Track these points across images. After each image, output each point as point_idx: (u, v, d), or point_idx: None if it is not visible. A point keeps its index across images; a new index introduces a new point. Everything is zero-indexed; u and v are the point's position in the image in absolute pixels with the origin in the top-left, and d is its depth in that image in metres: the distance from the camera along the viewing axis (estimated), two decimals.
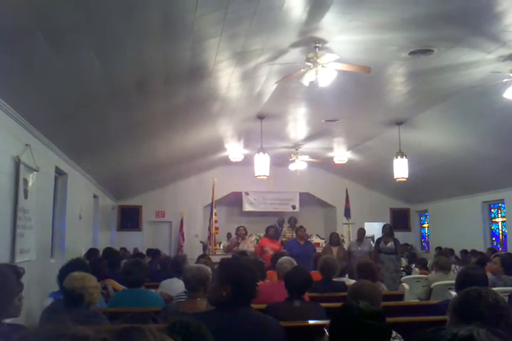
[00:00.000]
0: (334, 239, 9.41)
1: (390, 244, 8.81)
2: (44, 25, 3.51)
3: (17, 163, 4.88)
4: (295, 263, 4.80)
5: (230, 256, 7.53)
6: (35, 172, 5.46)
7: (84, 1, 3.38)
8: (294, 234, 10.41)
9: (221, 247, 12.30)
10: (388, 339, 1.91)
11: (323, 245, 11.45)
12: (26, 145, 5.16)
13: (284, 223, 12.04)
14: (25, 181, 5.15)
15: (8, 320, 2.36)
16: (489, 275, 4.82)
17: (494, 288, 3.95)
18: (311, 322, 3.30)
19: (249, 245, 9.06)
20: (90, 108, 5.65)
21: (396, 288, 7.83)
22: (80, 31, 3.75)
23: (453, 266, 6.79)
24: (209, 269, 3.49)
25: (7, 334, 2.01)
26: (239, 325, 2.42)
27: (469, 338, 1.13)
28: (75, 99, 5.17)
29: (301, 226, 9.36)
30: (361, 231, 9.56)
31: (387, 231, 9.01)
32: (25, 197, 5.14)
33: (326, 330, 2.60)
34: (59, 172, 7.07)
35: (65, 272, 3.53)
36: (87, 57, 4.22)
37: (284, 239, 10.80)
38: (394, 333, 2.46)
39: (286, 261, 4.79)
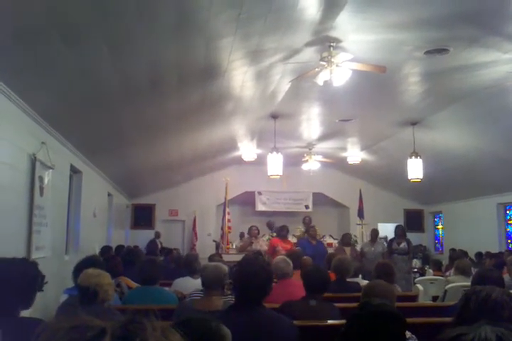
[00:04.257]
0: (346, 240, 9.40)
1: (403, 245, 8.76)
2: (59, 24, 3.55)
3: (33, 160, 4.94)
4: (290, 263, 4.66)
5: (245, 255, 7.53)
6: (51, 170, 5.52)
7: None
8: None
9: (234, 246, 12.32)
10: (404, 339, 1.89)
11: (336, 245, 11.42)
12: (42, 143, 5.21)
13: (274, 226, 11.89)
14: (41, 179, 5.20)
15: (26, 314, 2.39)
16: (506, 277, 4.76)
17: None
18: (326, 322, 3.29)
19: (262, 244, 9.06)
20: (105, 107, 5.70)
21: (409, 288, 7.77)
22: (94, 30, 3.78)
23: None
24: (226, 268, 3.50)
25: (27, 327, 2.03)
26: (250, 324, 2.42)
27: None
28: (90, 97, 5.21)
29: (313, 226, 9.32)
30: (374, 232, 9.51)
31: (400, 232, 8.96)
32: (41, 194, 5.19)
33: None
34: (74, 171, 7.13)
35: (79, 269, 3.56)
36: (101, 56, 4.25)
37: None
38: (409, 334, 2.45)
39: (282, 260, 4.71)
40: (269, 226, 12.35)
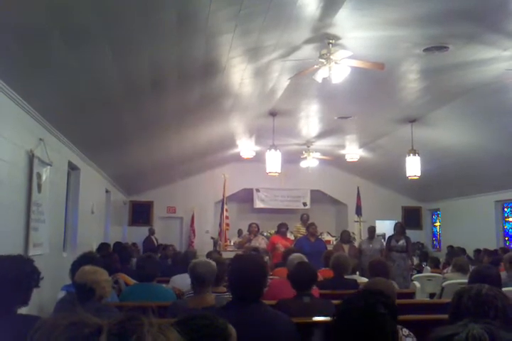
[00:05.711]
0: (345, 237, 9.39)
1: (402, 242, 8.76)
2: (61, 23, 3.54)
3: (31, 157, 4.92)
4: (306, 260, 4.75)
5: (242, 251, 7.53)
6: (49, 167, 5.50)
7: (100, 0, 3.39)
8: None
9: (231, 243, 12.32)
10: (395, 331, 1.87)
11: (334, 243, 11.41)
12: (40, 139, 5.19)
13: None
14: (39, 175, 5.19)
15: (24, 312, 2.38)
16: (503, 274, 4.77)
17: (505, 288, 3.92)
18: (321, 318, 3.29)
19: (260, 242, 9.05)
20: (104, 104, 5.68)
21: (407, 286, 7.79)
22: (95, 30, 3.77)
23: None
24: (215, 264, 3.50)
25: (24, 324, 2.03)
26: (248, 321, 2.41)
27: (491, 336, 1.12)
28: (90, 95, 5.19)
29: (313, 223, 9.28)
30: (371, 229, 9.51)
31: (399, 230, 8.94)
32: (39, 191, 5.18)
33: None
34: (72, 167, 7.11)
35: (77, 266, 3.55)
36: (101, 54, 4.23)
37: (299, 235, 10.74)
38: (407, 331, 2.45)
39: (297, 257, 4.75)
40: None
